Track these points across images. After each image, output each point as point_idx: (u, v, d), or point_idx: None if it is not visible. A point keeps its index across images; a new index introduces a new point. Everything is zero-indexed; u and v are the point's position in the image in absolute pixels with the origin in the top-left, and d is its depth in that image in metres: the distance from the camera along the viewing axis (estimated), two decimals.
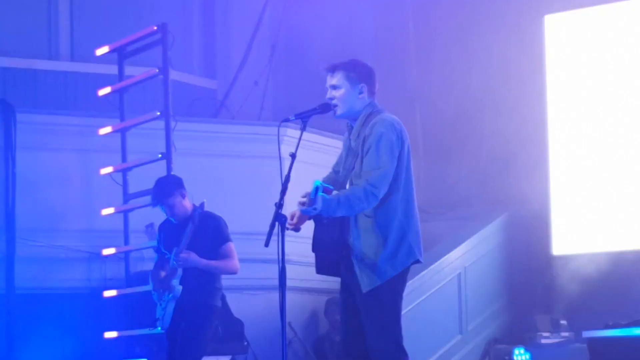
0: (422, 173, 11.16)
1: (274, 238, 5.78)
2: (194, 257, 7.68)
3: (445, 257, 10.59)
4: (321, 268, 6.20)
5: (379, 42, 12.17)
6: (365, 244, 5.95)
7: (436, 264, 10.44)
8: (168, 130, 9.16)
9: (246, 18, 11.32)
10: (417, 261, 6.00)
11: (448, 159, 11.83)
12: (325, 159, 10.55)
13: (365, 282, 5.92)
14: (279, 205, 6.06)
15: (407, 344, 5.93)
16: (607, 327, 8.64)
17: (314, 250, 6.19)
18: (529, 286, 10.91)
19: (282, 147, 6.71)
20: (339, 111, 6.18)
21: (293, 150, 6.07)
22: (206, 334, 7.84)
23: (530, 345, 9.97)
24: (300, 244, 10.15)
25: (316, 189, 5.78)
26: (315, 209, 5.78)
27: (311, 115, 6.27)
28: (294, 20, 11.37)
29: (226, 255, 7.88)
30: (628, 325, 8.51)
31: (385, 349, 5.87)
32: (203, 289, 7.81)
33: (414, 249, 5.96)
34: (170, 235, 7.93)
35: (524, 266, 11.00)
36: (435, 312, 10.42)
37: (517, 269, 11.12)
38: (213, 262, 7.79)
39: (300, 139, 6.10)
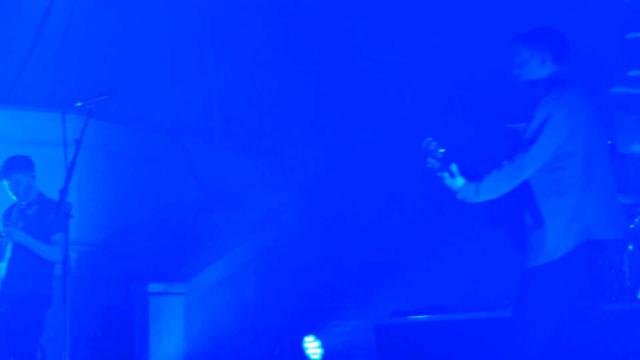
0: (218, 162, 11.20)
1: None
2: (19, 232, 7.50)
3: (239, 246, 10.63)
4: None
5: (176, 27, 12.10)
6: (533, 218, 5.72)
7: (229, 254, 10.47)
8: None
9: (37, 1, 11.06)
10: (598, 240, 5.67)
11: (246, 148, 11.90)
12: (112, 146, 10.52)
13: (527, 258, 5.72)
14: (64, 192, 5.98)
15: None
16: (394, 314, 8.81)
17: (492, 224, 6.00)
18: (322, 274, 11.07)
19: (69, 134, 6.60)
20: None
21: (79, 137, 5.98)
22: (40, 325, 7.70)
23: (321, 334, 10.08)
24: (93, 231, 10.07)
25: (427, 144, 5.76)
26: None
27: (98, 101, 6.19)
28: (87, 5, 11.17)
29: (56, 243, 7.71)
30: (414, 312, 8.70)
31: (523, 328, 5.68)
32: (37, 277, 7.65)
33: (591, 228, 5.64)
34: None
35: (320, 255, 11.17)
36: (229, 301, 10.45)
37: (312, 258, 11.27)
38: (38, 242, 7.60)
39: (86, 125, 6.01)
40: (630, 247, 7.70)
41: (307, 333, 10.12)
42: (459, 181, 5.75)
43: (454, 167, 5.75)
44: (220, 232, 10.80)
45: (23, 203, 7.71)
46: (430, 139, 5.78)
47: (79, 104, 6.29)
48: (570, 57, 5.94)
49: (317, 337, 9.98)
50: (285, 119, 11.69)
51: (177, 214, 11.23)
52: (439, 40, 10.99)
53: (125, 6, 11.44)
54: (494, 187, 5.71)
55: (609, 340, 5.76)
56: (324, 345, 9.94)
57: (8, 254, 7.58)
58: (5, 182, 7.73)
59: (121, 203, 10.53)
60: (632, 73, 9.71)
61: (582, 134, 5.71)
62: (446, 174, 5.77)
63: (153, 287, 9.72)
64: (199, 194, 11.61)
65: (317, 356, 9.89)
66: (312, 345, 9.92)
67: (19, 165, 7.74)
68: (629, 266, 7.59)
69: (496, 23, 10.05)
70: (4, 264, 7.54)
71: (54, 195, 6.91)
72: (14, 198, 7.74)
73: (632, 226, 7.75)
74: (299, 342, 10.03)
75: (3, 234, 7.53)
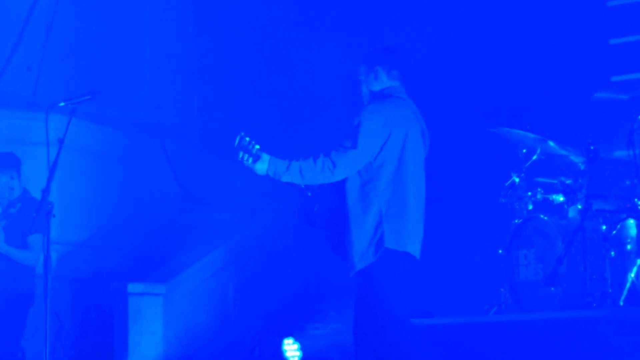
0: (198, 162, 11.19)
1: None
2: None
3: (219, 248, 10.61)
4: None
5: (158, 27, 12.09)
6: (344, 227, 5.89)
7: (209, 255, 10.45)
8: None
9: (20, 1, 11.03)
10: (402, 252, 5.83)
11: (227, 149, 11.88)
12: (95, 146, 10.51)
13: (349, 266, 5.91)
14: (46, 191, 5.98)
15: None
16: None
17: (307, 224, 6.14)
18: (302, 276, 11.06)
19: (51, 133, 6.60)
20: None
21: (62, 137, 5.99)
22: (22, 323, 7.71)
23: (300, 336, 10.08)
24: (74, 231, 10.05)
25: (240, 139, 5.80)
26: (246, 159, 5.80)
27: (81, 101, 6.20)
28: (69, 5, 11.14)
29: (31, 246, 7.69)
30: None
31: (355, 332, 5.95)
32: (18, 275, 7.64)
33: (389, 237, 5.81)
34: None
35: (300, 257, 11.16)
36: (209, 302, 10.44)
37: (292, 260, 11.26)
38: (13, 250, 7.60)
39: (68, 125, 6.02)
40: (613, 253, 7.72)
41: (286, 335, 10.12)
42: (265, 157, 5.89)
43: (257, 147, 5.85)
44: (201, 233, 10.79)
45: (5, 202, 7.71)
46: (242, 133, 5.84)
47: (62, 104, 6.31)
48: (408, 74, 6.12)
49: (296, 339, 9.99)
50: (266, 120, 11.68)
51: (157, 215, 11.22)
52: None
53: (107, 6, 11.42)
54: (305, 172, 5.87)
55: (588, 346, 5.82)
56: (302, 348, 9.94)
57: None
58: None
59: (102, 203, 10.52)
60: (616, 78, 9.75)
61: (395, 149, 5.88)
62: (251, 161, 5.87)
63: (133, 288, 9.70)
64: (179, 195, 11.61)
65: (296, 358, 9.89)
66: (291, 348, 9.92)
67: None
68: (610, 272, 7.61)
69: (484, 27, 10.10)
70: None
71: (37, 194, 6.90)
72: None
73: (614, 232, 7.77)
74: (278, 344, 10.02)
75: None
